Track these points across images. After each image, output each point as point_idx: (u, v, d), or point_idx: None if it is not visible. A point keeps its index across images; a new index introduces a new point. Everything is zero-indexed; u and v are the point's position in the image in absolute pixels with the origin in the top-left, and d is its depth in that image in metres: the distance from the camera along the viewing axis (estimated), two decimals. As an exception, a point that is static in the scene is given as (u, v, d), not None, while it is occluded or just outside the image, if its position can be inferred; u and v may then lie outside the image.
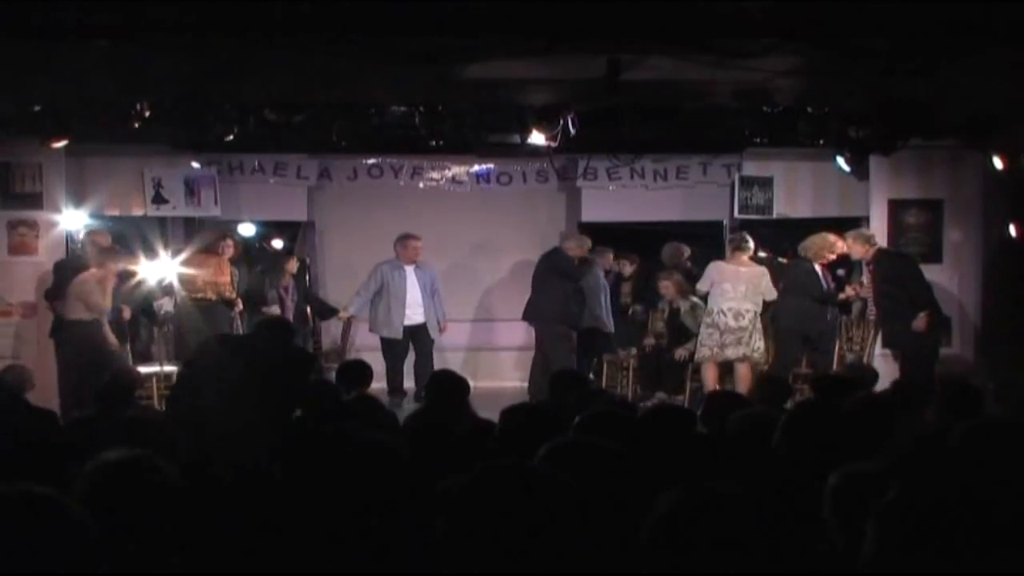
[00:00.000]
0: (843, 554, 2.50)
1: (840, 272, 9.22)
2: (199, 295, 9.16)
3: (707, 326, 9.12)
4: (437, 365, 9.34)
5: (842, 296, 9.22)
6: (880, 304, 8.84)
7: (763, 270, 9.28)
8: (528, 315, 9.72)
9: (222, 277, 9.33)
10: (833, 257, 9.16)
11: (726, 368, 9.25)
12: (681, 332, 9.57)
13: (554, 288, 9.49)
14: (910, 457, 3.18)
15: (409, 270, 9.91)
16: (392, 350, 9.88)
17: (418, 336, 9.91)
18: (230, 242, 9.61)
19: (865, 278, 9.12)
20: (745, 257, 9.24)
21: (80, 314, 8.23)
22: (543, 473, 1.95)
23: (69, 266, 8.81)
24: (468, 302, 10.86)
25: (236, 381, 5.65)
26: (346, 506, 2.60)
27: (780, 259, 10.00)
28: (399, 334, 9.83)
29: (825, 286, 9.09)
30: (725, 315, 9.10)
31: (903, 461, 3.14)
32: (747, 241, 9.29)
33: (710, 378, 9.13)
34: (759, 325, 9.19)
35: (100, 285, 8.30)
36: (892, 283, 8.72)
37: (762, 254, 10.46)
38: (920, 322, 8.55)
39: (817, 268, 9.08)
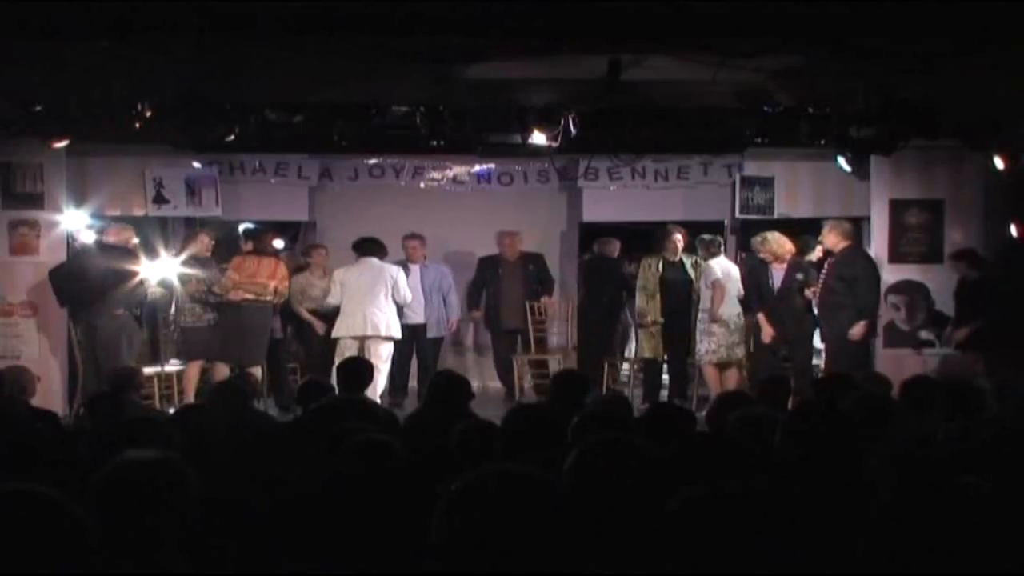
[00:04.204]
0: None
1: (799, 276, 9.13)
2: (265, 296, 9.12)
3: (720, 325, 9.15)
4: (439, 365, 9.32)
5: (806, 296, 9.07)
6: (823, 299, 8.83)
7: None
8: None
9: (283, 280, 9.32)
10: (787, 256, 9.11)
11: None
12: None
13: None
14: (902, 459, 3.17)
15: (413, 269, 9.90)
16: (396, 349, 9.89)
17: (419, 336, 9.91)
18: (205, 238, 9.45)
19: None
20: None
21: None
22: (541, 476, 1.95)
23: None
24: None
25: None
26: (345, 506, 2.60)
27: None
28: (398, 333, 9.84)
29: (786, 285, 9.04)
30: (733, 315, 9.18)
31: (896, 463, 3.14)
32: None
33: (714, 379, 9.14)
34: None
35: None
36: (844, 283, 8.72)
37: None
38: (857, 330, 8.61)
39: (772, 269, 9.07)
